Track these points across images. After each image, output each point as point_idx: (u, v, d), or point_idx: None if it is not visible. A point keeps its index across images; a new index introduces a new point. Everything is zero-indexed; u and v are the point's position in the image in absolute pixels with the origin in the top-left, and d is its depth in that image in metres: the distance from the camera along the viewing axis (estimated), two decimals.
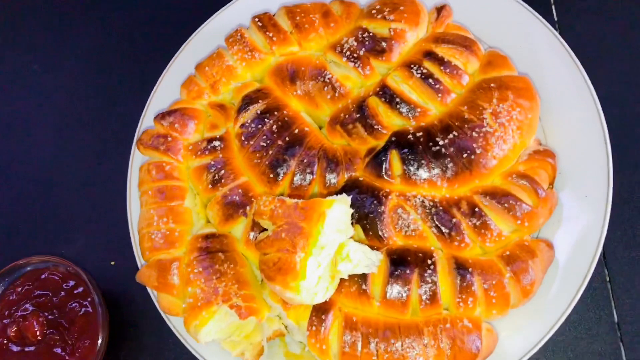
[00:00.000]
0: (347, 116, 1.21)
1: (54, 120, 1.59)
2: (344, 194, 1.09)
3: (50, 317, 1.26)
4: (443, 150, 1.12)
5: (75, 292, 1.31)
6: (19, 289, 1.29)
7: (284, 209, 1.06)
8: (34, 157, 1.56)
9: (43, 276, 1.31)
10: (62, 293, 1.31)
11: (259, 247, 1.07)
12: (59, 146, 1.57)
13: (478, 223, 1.09)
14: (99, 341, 1.26)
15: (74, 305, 1.30)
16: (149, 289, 1.26)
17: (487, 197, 1.10)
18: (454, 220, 1.10)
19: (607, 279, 1.23)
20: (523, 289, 1.07)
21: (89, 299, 1.29)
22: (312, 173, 1.19)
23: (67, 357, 1.26)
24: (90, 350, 1.26)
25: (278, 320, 1.18)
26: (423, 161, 1.12)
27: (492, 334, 1.07)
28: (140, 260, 1.28)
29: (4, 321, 1.26)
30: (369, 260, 1.07)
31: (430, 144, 1.13)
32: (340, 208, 1.06)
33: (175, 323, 1.23)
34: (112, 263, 1.44)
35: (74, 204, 1.50)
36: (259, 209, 1.10)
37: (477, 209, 1.10)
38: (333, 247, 1.05)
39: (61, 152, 1.56)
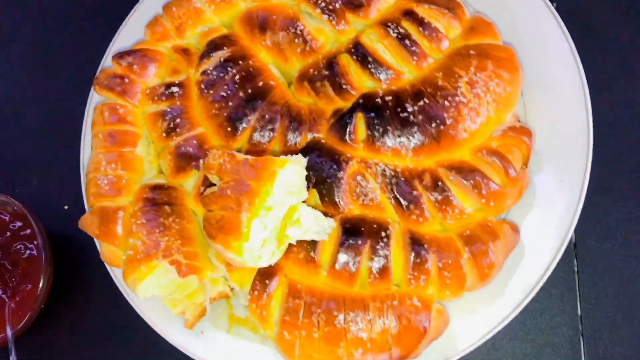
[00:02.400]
0: (316, 72, 1.13)
1: (14, 56, 1.52)
2: (299, 155, 1.02)
3: None
4: (411, 117, 1.04)
5: (22, 233, 1.26)
6: None
7: (233, 165, 0.99)
8: None
9: None
10: (8, 233, 1.26)
11: (203, 202, 1.00)
12: (18, 83, 1.49)
13: (440, 198, 1.03)
14: (40, 286, 1.20)
15: (18, 247, 1.25)
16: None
17: (453, 172, 1.03)
18: (415, 192, 1.03)
19: (575, 270, 1.17)
20: (481, 272, 1.00)
21: (35, 242, 1.24)
22: (273, 130, 1.12)
23: (6, 300, 1.21)
24: (30, 294, 1.21)
25: (224, 282, 1.12)
26: (389, 127, 1.05)
27: (443, 315, 1.01)
28: (87, 206, 1.21)
29: None
30: (320, 227, 1.01)
31: (399, 109, 1.05)
32: (293, 169, 0.99)
33: (118, 274, 1.18)
34: (66, 207, 1.38)
35: (30, 144, 1.44)
36: (207, 162, 1.03)
37: (440, 183, 1.03)
38: (282, 209, 0.99)
39: (20, 89, 1.49)
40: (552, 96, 1.12)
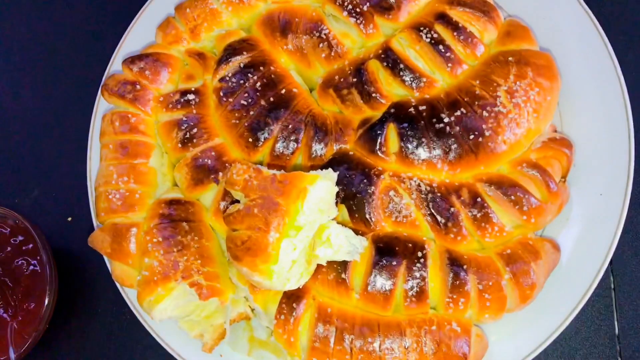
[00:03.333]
0: (342, 79, 1.06)
1: (15, 59, 1.43)
2: (330, 169, 0.95)
3: None
4: (448, 128, 0.98)
5: (24, 248, 1.18)
6: None
7: (260, 181, 0.92)
8: None
9: None
10: (9, 248, 1.18)
11: (227, 221, 0.93)
12: (20, 87, 1.41)
13: (479, 215, 0.96)
14: (45, 304, 1.13)
15: (20, 262, 1.18)
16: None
17: (492, 187, 0.97)
18: (452, 209, 0.96)
19: (612, 287, 1.11)
20: (522, 293, 0.95)
21: (38, 258, 1.16)
22: (297, 141, 1.05)
23: (8, 320, 1.14)
24: (34, 313, 1.14)
25: (244, 302, 1.05)
26: (423, 139, 0.98)
27: (482, 340, 0.95)
28: (96, 221, 1.14)
29: None
30: (351, 247, 0.94)
31: (434, 120, 0.99)
32: (324, 185, 0.92)
33: (130, 294, 1.11)
34: (69, 219, 1.30)
35: (32, 151, 1.36)
36: (231, 177, 0.95)
37: (479, 199, 0.97)
38: (312, 229, 0.92)
39: (22, 93, 1.41)
40: (590, 105, 1.07)
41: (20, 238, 1.18)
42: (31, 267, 1.17)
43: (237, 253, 0.90)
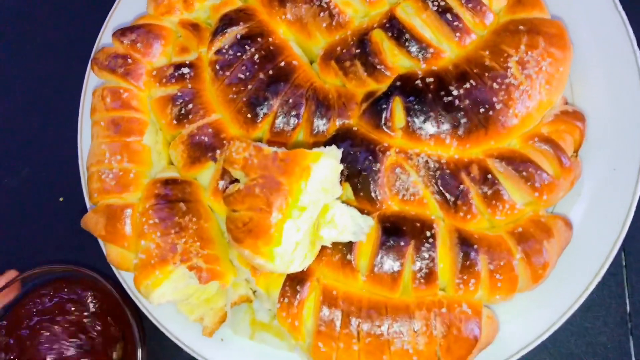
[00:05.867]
0: (344, 51, 1.01)
1: None
2: (333, 146, 0.90)
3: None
4: (457, 101, 0.93)
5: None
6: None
7: (260, 159, 0.88)
8: None
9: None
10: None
11: (227, 201, 0.89)
12: (5, 61, 1.35)
13: (489, 192, 0.92)
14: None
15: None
16: None
17: (503, 162, 0.93)
18: (462, 186, 0.92)
19: (624, 264, 1.08)
20: (534, 273, 0.91)
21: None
22: (297, 116, 1.00)
23: None
24: None
25: (245, 284, 1.01)
26: (431, 113, 0.94)
27: (493, 322, 0.92)
28: (89, 202, 1.09)
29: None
30: (357, 227, 0.90)
31: (442, 93, 0.94)
32: (328, 163, 0.87)
33: (127, 278, 1.07)
34: (61, 200, 1.25)
35: (21, 129, 1.30)
36: (230, 156, 0.91)
37: (489, 176, 0.92)
38: (316, 209, 0.88)
39: (8, 69, 1.35)
40: (602, 75, 1.02)
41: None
42: None
43: (238, 235, 0.86)
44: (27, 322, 0.99)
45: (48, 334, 0.98)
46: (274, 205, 0.84)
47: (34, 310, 1.00)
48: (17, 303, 1.02)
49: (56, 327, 0.99)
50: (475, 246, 0.90)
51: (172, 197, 0.98)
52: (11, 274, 1.04)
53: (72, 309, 1.01)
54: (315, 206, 0.87)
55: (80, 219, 1.05)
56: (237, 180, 0.92)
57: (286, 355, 1.02)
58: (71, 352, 0.98)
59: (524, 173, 0.92)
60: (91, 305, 1.02)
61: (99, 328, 1.01)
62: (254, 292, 1.02)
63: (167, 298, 0.97)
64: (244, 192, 0.87)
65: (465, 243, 0.90)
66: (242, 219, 0.86)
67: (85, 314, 1.01)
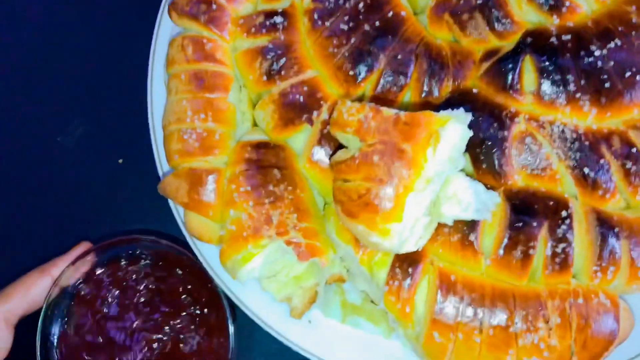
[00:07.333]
0: (461, 1, 0.89)
1: None
2: (462, 109, 0.78)
3: None
4: (599, 63, 0.81)
5: None
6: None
7: (379, 122, 0.76)
8: (34, 22, 1.23)
9: None
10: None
11: (337, 169, 0.78)
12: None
13: (633, 168, 0.81)
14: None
15: None
16: (171, 202, 0.96)
17: None
18: (602, 161, 0.81)
19: None
20: None
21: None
22: (406, 75, 0.88)
23: None
24: None
25: (339, 262, 0.91)
26: (570, 76, 0.82)
27: (630, 315, 0.81)
28: (161, 165, 0.98)
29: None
30: (481, 204, 0.79)
31: (582, 52, 0.82)
32: (457, 129, 0.76)
33: (203, 248, 0.96)
34: (120, 161, 1.14)
35: (75, 80, 1.18)
36: (339, 117, 0.79)
37: (634, 149, 0.81)
38: (440, 181, 0.77)
39: (63, 13, 1.22)
40: None
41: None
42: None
43: (352, 209, 0.75)
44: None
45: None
46: (396, 175, 0.73)
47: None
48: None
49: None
50: (616, 229, 0.79)
51: (265, 163, 0.87)
52: (85, 245, 0.95)
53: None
54: (439, 178, 0.76)
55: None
56: (342, 147, 0.81)
57: (381, 341, 0.92)
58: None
59: None
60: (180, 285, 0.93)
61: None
62: (347, 270, 0.92)
63: (255, 274, 0.86)
64: (360, 160, 0.75)
65: (605, 226, 0.79)
66: (358, 190, 0.75)
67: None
